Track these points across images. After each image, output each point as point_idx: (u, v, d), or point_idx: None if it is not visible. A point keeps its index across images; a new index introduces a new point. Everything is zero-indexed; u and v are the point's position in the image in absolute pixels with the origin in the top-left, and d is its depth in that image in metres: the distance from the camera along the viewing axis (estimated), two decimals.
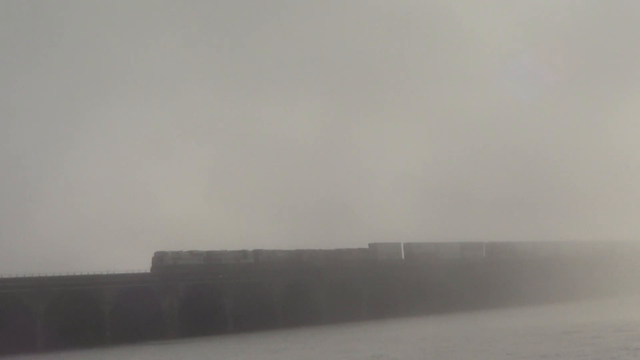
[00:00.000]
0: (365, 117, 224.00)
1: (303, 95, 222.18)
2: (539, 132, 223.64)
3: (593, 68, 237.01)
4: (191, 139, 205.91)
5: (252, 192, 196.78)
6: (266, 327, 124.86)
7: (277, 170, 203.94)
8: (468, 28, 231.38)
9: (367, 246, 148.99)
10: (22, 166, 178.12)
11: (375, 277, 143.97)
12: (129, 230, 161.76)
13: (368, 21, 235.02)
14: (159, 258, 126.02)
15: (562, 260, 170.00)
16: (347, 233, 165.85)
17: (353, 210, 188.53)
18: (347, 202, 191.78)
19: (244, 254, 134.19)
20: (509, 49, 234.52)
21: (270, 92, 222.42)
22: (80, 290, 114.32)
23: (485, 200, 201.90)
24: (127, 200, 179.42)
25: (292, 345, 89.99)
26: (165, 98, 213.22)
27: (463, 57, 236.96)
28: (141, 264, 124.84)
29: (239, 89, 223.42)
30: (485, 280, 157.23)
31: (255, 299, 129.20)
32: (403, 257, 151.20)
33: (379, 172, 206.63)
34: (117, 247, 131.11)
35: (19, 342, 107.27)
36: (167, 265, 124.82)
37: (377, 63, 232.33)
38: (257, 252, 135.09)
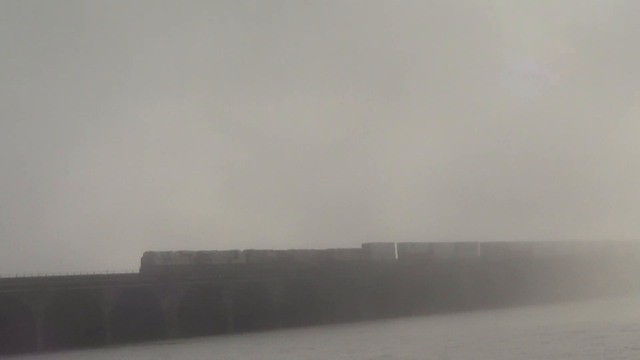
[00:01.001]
0: (376, 115, 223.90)
1: (320, 92, 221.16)
2: (539, 132, 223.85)
3: (603, 67, 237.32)
4: (205, 136, 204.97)
5: (266, 191, 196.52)
6: (266, 327, 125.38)
7: (290, 170, 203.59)
8: (489, 23, 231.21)
9: (360, 246, 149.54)
10: (33, 165, 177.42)
11: (374, 276, 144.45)
12: (136, 229, 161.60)
13: (384, 16, 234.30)
14: (148, 258, 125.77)
15: (559, 260, 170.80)
16: (349, 233, 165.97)
17: (351, 210, 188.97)
18: (346, 202, 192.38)
19: (234, 254, 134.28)
20: (519, 47, 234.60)
21: (285, 89, 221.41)
22: (80, 290, 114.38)
23: (482, 200, 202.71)
24: (136, 199, 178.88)
25: (300, 344, 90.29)
26: (180, 96, 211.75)
27: (474, 55, 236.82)
28: None
29: (254, 85, 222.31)
30: (481, 281, 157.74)
31: (255, 298, 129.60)
32: (397, 257, 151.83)
33: (388, 171, 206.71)
34: (124, 247, 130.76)
35: (19, 342, 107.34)
36: (156, 266, 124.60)
37: (393, 60, 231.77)
38: (248, 253, 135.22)
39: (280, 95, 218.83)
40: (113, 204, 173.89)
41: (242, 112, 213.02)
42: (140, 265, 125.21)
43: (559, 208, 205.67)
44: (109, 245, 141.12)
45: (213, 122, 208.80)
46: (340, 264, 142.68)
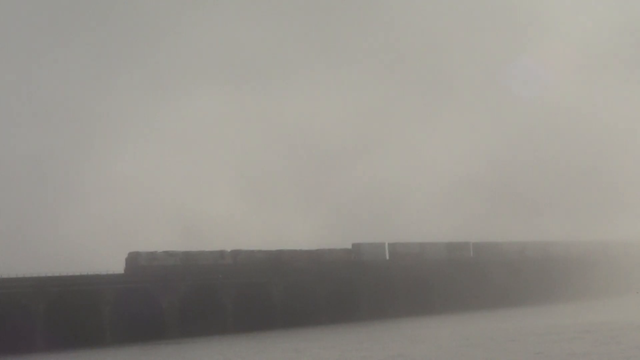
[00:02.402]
0: (397, 114, 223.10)
1: (341, 88, 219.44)
2: (539, 129, 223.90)
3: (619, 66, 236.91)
4: (227, 133, 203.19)
5: (288, 189, 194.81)
6: (265, 327, 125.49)
7: (314, 167, 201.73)
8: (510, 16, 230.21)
9: (350, 246, 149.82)
10: (52, 164, 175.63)
11: (369, 276, 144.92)
12: (152, 229, 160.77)
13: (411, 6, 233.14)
14: (133, 258, 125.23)
15: (553, 260, 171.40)
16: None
17: (370, 210, 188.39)
18: (344, 201, 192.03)
19: (221, 254, 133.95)
20: (534, 43, 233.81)
21: (312, 84, 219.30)
22: (80, 290, 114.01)
23: (478, 199, 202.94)
24: (155, 199, 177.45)
25: (309, 344, 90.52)
26: (200, 93, 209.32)
27: (495, 52, 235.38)
28: None
29: (279, 80, 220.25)
30: (476, 281, 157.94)
31: (254, 298, 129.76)
32: (387, 258, 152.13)
33: (407, 170, 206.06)
34: (141, 248, 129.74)
35: (18, 342, 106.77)
36: (141, 266, 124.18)
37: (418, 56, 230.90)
38: (235, 253, 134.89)
39: (307, 90, 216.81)
40: (131, 204, 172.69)
41: (266, 108, 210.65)
42: (124, 266, 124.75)
43: (571, 207, 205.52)
44: (128, 246, 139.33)
45: (234, 118, 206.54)
46: (331, 264, 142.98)
